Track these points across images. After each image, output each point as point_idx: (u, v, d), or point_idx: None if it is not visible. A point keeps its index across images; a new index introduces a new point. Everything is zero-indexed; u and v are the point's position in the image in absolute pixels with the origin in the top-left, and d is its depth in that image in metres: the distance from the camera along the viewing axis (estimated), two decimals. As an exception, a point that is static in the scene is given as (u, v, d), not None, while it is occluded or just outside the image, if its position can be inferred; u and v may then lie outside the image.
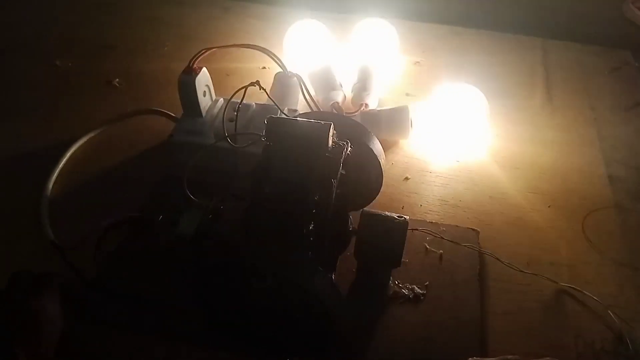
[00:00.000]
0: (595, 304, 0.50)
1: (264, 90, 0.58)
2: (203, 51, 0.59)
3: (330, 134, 0.42)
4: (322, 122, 0.42)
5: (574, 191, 0.62)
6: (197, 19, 0.89)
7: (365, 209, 0.48)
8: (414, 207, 0.60)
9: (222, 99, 0.64)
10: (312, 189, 0.41)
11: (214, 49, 0.60)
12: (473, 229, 0.57)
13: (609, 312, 0.49)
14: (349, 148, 0.44)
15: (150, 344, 0.46)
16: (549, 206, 0.60)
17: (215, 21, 0.89)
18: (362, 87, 0.70)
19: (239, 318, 0.44)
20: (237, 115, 0.55)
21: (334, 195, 0.43)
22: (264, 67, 0.79)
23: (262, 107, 0.62)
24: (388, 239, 0.46)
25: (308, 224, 0.41)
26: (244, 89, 0.56)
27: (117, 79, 0.74)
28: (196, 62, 0.58)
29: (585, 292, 0.50)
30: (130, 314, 0.48)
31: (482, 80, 0.78)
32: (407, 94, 0.76)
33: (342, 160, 0.43)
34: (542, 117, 0.73)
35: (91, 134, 0.66)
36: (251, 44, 0.64)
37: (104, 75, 0.75)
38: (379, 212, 0.47)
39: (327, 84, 0.70)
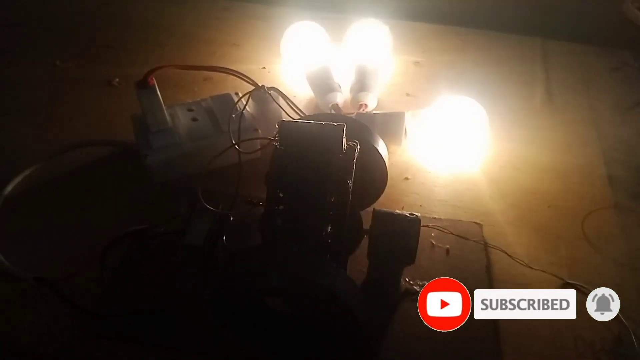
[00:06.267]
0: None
1: (269, 94, 0.59)
2: (160, 67, 0.56)
3: (344, 135, 0.42)
4: (335, 124, 0.42)
5: (574, 191, 0.62)
6: (197, 19, 0.89)
7: (376, 208, 0.48)
8: (414, 207, 0.59)
9: (175, 105, 0.62)
10: (328, 191, 0.41)
11: (171, 67, 0.58)
12: (476, 223, 0.57)
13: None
14: (358, 148, 0.45)
15: (161, 357, 0.46)
16: (548, 206, 0.60)
17: (215, 21, 0.89)
18: (360, 87, 0.70)
19: (257, 327, 0.44)
20: (240, 119, 0.54)
21: (350, 196, 0.43)
22: (264, 68, 0.79)
23: (217, 98, 0.63)
24: (402, 237, 0.46)
25: (326, 226, 0.41)
26: (248, 95, 0.56)
27: (117, 79, 0.74)
28: (151, 76, 0.55)
29: (590, 288, 0.50)
30: (140, 328, 0.47)
31: (482, 81, 0.78)
32: (408, 94, 0.76)
33: (355, 160, 0.43)
34: (542, 117, 0.73)
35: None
36: (217, 66, 0.59)
37: (104, 75, 0.75)
38: (391, 211, 0.47)
39: (326, 85, 0.70)
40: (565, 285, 0.52)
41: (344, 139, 0.42)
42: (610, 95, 0.78)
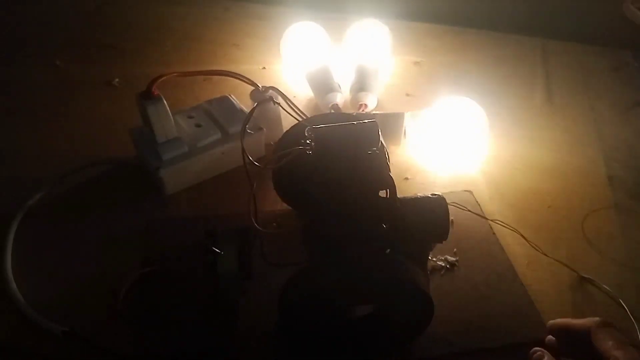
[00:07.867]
0: (597, 303, 0.50)
1: (275, 103, 0.58)
2: (161, 76, 0.53)
3: (380, 131, 0.42)
4: (367, 121, 0.43)
5: (574, 191, 0.62)
6: (197, 19, 0.89)
7: (398, 196, 0.48)
8: (414, 207, 0.59)
9: (174, 114, 0.59)
10: (377, 188, 0.41)
11: (172, 75, 0.54)
12: (467, 191, 0.60)
13: (620, 300, 0.50)
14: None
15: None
16: (548, 206, 0.60)
17: (215, 21, 0.89)
18: (360, 87, 0.70)
19: (333, 339, 0.43)
20: (245, 123, 0.52)
21: (396, 189, 0.42)
22: (264, 68, 0.79)
23: (215, 101, 0.63)
24: (435, 217, 0.45)
25: (382, 223, 0.41)
26: (254, 108, 0.55)
27: (117, 79, 0.74)
28: (154, 86, 0.53)
29: (604, 285, 0.51)
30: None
31: (482, 81, 0.78)
32: (408, 94, 0.76)
33: (387, 152, 0.43)
34: (542, 117, 0.74)
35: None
36: (218, 69, 0.59)
37: (104, 75, 0.75)
38: (413, 195, 0.47)
39: (326, 85, 0.70)
40: (582, 280, 0.52)
41: (380, 135, 0.42)
42: (610, 95, 0.78)
